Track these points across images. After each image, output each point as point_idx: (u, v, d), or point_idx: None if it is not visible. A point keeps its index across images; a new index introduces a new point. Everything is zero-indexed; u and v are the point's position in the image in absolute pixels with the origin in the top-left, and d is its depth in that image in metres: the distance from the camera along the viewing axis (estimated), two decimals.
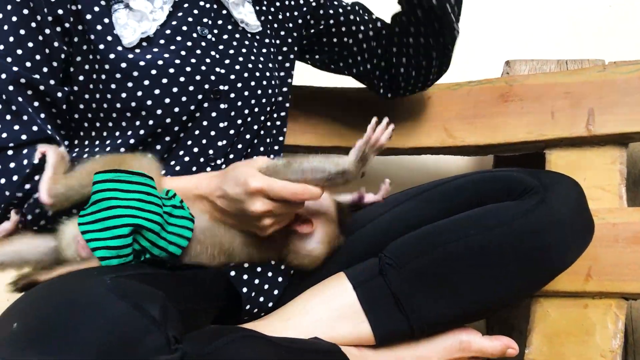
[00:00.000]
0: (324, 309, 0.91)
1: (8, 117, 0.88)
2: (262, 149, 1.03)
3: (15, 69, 0.88)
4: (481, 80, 1.28)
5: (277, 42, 1.08)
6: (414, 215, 0.99)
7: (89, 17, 0.90)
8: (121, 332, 0.61)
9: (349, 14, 1.17)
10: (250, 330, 0.79)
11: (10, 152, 0.87)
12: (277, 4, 1.09)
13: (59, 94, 0.92)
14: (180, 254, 0.85)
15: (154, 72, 0.90)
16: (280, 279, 0.96)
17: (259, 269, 0.94)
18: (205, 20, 0.98)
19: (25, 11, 0.88)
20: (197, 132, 0.95)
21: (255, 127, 1.01)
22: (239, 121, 0.98)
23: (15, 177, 0.86)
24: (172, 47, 0.93)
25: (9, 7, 0.88)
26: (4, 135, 0.87)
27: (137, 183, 0.83)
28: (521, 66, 1.34)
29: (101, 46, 0.89)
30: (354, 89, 1.34)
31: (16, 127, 0.88)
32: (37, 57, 0.89)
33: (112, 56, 0.89)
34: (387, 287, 0.90)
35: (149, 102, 0.90)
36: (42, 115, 0.91)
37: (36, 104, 0.90)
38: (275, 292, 0.95)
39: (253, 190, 0.82)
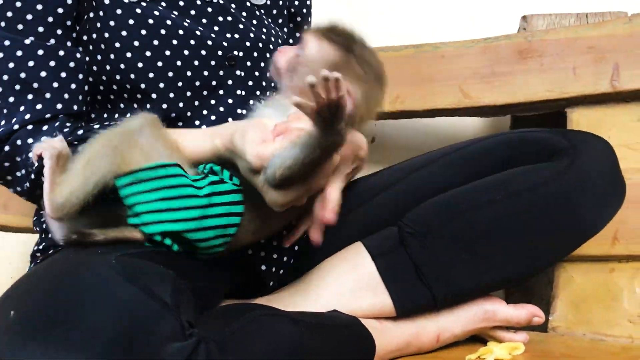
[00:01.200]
0: (343, 281, 0.87)
1: (30, 96, 0.81)
2: None
3: (28, 40, 0.81)
4: (498, 37, 1.22)
5: (280, 20, 1.04)
6: (434, 181, 0.94)
7: None
8: (130, 319, 0.57)
9: None
10: (268, 308, 0.75)
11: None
12: None
13: (78, 55, 0.85)
14: (235, 231, 0.78)
15: (163, 31, 0.85)
16: (296, 248, 0.93)
17: (274, 243, 0.90)
18: None
19: None
20: (213, 101, 0.90)
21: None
22: (258, 92, 0.93)
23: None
24: (176, 13, 0.88)
25: None
26: (27, 115, 0.81)
27: (161, 177, 0.75)
28: (538, 21, 1.27)
29: (106, 1, 0.84)
30: None
31: (39, 106, 0.81)
32: (50, 19, 0.83)
33: (119, 11, 0.84)
34: (407, 257, 0.86)
35: (160, 64, 0.84)
36: (73, 86, 0.83)
37: (63, 74, 0.83)
38: (292, 260, 0.92)
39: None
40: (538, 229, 0.85)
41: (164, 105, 0.86)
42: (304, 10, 1.10)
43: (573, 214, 0.86)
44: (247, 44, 0.92)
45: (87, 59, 0.86)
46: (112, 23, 0.84)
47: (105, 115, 0.89)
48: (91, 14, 0.85)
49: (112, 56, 0.84)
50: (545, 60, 1.18)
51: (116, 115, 0.88)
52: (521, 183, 0.86)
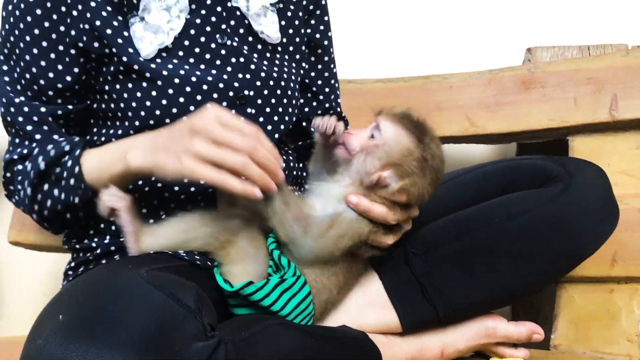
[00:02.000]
0: (352, 298, 0.92)
1: (26, 141, 0.93)
2: (284, 157, 1.04)
3: (28, 93, 0.92)
4: (502, 68, 1.28)
5: (298, 57, 1.07)
6: (438, 204, 0.99)
7: (109, 31, 0.90)
8: (161, 319, 0.64)
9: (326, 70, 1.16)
10: (282, 318, 0.81)
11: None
12: (298, 19, 1.07)
13: (59, 112, 0.93)
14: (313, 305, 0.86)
15: (177, 80, 0.91)
16: None
17: None
18: (223, 27, 0.97)
19: (37, 31, 0.89)
20: None
21: (282, 127, 1.01)
22: (269, 127, 0.99)
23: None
24: (192, 60, 0.94)
25: (28, 38, 0.90)
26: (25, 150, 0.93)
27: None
28: (543, 53, 1.33)
29: (124, 58, 0.90)
30: (372, 79, 1.35)
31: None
32: (42, 81, 0.91)
33: (135, 67, 0.90)
34: (412, 275, 0.92)
35: (174, 110, 0.91)
36: (45, 128, 0.93)
37: (35, 118, 0.93)
38: None
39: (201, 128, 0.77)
40: (534, 249, 0.90)
41: None
42: (325, 43, 1.13)
43: (567, 236, 0.90)
44: (258, 83, 0.97)
45: (104, 106, 0.94)
46: (133, 76, 0.91)
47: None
48: (112, 68, 0.91)
49: (133, 104, 0.91)
50: (547, 90, 1.23)
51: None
52: (518, 206, 0.91)
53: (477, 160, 1.43)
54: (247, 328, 0.73)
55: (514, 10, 1.52)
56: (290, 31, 1.05)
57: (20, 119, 0.92)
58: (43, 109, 0.92)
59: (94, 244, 0.95)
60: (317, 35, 1.12)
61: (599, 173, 0.97)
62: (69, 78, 0.91)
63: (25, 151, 0.93)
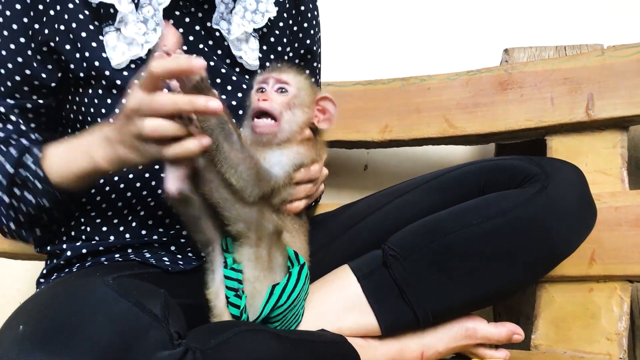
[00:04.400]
0: (330, 301, 0.92)
1: None
2: None
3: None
4: (480, 69, 1.29)
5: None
6: (417, 206, 1.00)
7: (83, 34, 0.90)
8: (124, 329, 0.63)
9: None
10: (254, 324, 0.80)
11: None
12: (281, 45, 1.06)
13: (28, 105, 0.92)
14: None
15: None
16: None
17: None
18: (201, 46, 0.96)
19: (6, 33, 0.89)
20: None
21: None
22: None
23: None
24: None
25: (5, 33, 0.89)
26: None
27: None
28: (520, 53, 1.34)
29: (96, 63, 0.90)
30: (351, 82, 1.35)
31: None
32: (17, 77, 0.90)
33: (107, 72, 0.89)
34: (391, 278, 0.91)
35: None
36: (13, 118, 0.91)
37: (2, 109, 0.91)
38: None
39: (130, 109, 0.76)
40: (511, 250, 0.90)
41: None
42: (314, 48, 1.13)
43: (545, 236, 0.90)
44: (234, 103, 0.97)
45: (72, 114, 0.94)
46: (103, 82, 0.90)
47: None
48: (81, 74, 0.90)
49: (102, 110, 0.91)
50: (525, 91, 1.24)
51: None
52: (495, 207, 0.91)
53: (456, 162, 1.43)
54: (216, 335, 0.71)
55: (491, 11, 1.53)
56: (272, 56, 1.04)
57: None
58: (11, 101, 0.90)
59: (64, 246, 0.93)
60: (308, 41, 1.12)
61: (576, 173, 0.97)
62: (44, 75, 0.90)
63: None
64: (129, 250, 0.93)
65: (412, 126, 1.30)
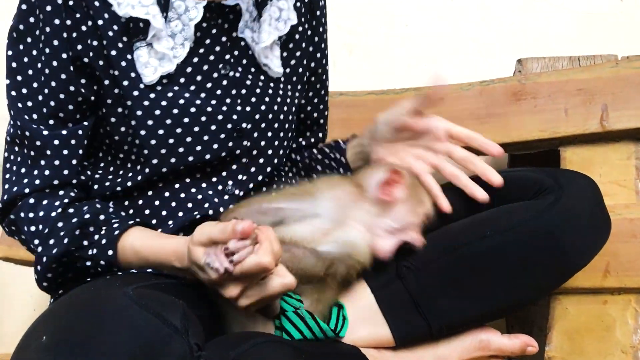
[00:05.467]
0: None
1: (42, 162, 0.91)
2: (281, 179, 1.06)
3: (44, 110, 0.90)
4: (493, 80, 1.28)
5: (299, 87, 1.07)
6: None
7: (113, 52, 0.89)
8: (145, 341, 0.63)
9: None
10: (273, 336, 0.81)
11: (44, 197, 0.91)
12: (301, 51, 1.06)
13: (80, 132, 0.92)
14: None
15: (175, 111, 0.90)
16: None
17: None
18: (227, 57, 0.96)
19: (48, 50, 0.89)
20: (217, 163, 0.96)
21: (276, 161, 1.02)
22: (261, 160, 1.00)
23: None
24: (193, 88, 0.93)
25: (34, 52, 0.90)
26: (34, 174, 0.91)
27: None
28: (533, 64, 1.33)
29: (125, 82, 0.90)
30: (364, 92, 1.35)
31: (42, 164, 0.91)
32: (62, 95, 0.90)
33: (135, 93, 0.90)
34: (405, 290, 0.92)
35: (171, 141, 0.91)
36: (65, 152, 0.91)
37: (56, 142, 0.91)
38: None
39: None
40: (525, 263, 0.90)
41: (164, 169, 0.93)
42: (319, 71, 1.12)
43: (559, 248, 0.90)
44: (257, 116, 0.97)
45: (106, 127, 0.93)
46: (129, 103, 0.90)
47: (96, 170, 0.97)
48: (115, 90, 0.90)
49: (130, 131, 0.91)
50: (538, 101, 1.23)
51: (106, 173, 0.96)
52: (509, 219, 0.91)
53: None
54: (234, 347, 0.72)
55: (504, 21, 1.53)
56: (293, 62, 1.04)
57: (38, 143, 0.90)
58: (64, 132, 0.91)
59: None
60: (312, 65, 1.11)
61: (590, 184, 0.97)
62: (84, 90, 0.91)
63: (37, 182, 0.90)
64: None
65: None
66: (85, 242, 0.88)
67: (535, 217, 0.90)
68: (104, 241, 0.87)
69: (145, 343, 0.63)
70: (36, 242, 0.89)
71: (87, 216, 0.89)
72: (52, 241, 0.88)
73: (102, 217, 0.90)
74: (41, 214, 0.89)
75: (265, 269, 0.71)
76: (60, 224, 0.88)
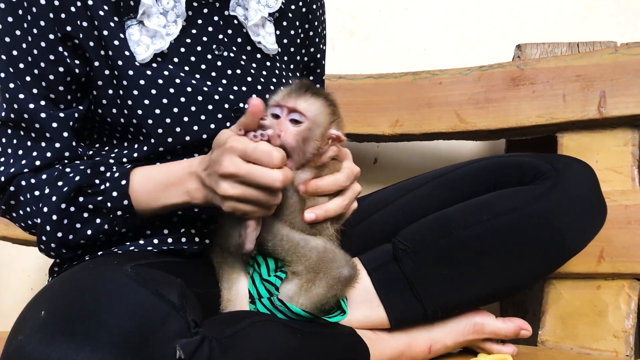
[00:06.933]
0: None
1: (43, 143, 0.88)
2: None
3: (34, 90, 0.87)
4: (492, 65, 1.29)
5: (292, 66, 1.06)
6: (427, 201, 1.00)
7: (105, 32, 0.88)
8: (143, 318, 0.64)
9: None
10: (269, 315, 0.81)
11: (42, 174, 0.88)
12: (294, 30, 1.05)
13: (76, 115, 0.91)
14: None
15: (172, 90, 0.89)
16: None
17: None
18: (220, 36, 0.95)
19: (35, 30, 0.87)
20: None
21: None
22: None
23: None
24: (187, 68, 0.92)
25: (18, 32, 0.87)
26: (33, 155, 0.88)
27: None
28: (532, 50, 1.33)
29: (119, 62, 0.88)
30: (363, 75, 1.35)
31: (43, 146, 0.88)
32: (51, 76, 0.88)
33: (130, 72, 0.88)
34: (401, 272, 0.92)
35: (168, 120, 0.90)
36: (65, 134, 0.89)
37: (55, 124, 0.89)
38: None
39: (229, 148, 0.76)
40: (521, 247, 0.91)
41: (161, 148, 0.91)
42: (318, 55, 1.12)
43: (555, 233, 0.91)
44: (254, 96, 0.95)
45: (98, 109, 0.92)
46: (125, 83, 0.88)
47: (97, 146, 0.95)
48: (106, 72, 0.89)
49: (125, 111, 0.89)
50: (537, 87, 1.24)
51: (107, 148, 0.95)
52: (506, 204, 0.91)
53: (467, 157, 1.44)
54: (232, 325, 0.73)
55: (504, 6, 1.53)
56: (285, 41, 1.03)
57: (37, 125, 0.88)
58: (62, 114, 0.89)
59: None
60: (312, 49, 1.10)
61: (587, 170, 0.97)
62: (77, 70, 0.89)
63: (37, 162, 0.88)
64: (141, 242, 0.92)
65: (422, 120, 1.31)
66: (97, 181, 0.86)
67: (532, 202, 0.91)
68: (117, 174, 0.86)
69: (143, 319, 0.64)
70: (42, 194, 0.86)
71: (97, 159, 0.89)
72: (60, 182, 0.85)
73: (111, 160, 0.90)
74: (44, 177, 0.87)
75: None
76: (68, 169, 0.87)
